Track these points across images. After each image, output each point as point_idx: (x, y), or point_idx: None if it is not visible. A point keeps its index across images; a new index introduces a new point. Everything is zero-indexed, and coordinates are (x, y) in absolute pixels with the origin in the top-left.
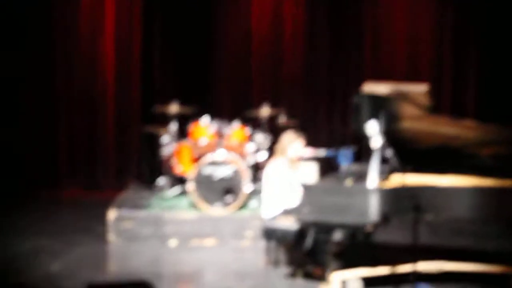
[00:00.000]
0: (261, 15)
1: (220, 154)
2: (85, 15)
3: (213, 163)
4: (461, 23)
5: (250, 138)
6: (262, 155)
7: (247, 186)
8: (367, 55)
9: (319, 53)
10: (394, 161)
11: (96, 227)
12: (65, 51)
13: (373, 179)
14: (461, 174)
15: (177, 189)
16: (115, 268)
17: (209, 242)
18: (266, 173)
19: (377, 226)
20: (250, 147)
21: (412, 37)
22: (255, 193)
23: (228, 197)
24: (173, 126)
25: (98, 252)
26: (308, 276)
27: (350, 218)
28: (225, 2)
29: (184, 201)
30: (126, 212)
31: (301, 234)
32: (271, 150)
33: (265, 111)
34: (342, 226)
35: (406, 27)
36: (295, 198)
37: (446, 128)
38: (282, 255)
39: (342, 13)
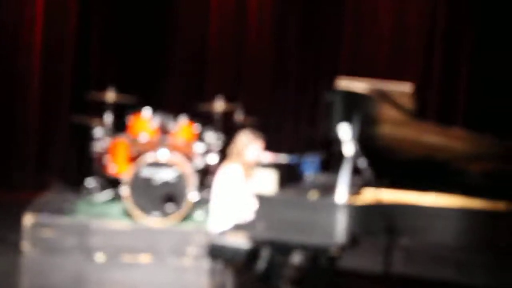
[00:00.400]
0: None
1: (162, 154)
2: None
3: (154, 165)
4: (455, 16)
5: (199, 137)
6: (213, 158)
7: (192, 194)
8: (345, 45)
9: (288, 39)
10: (368, 173)
11: (8, 234)
12: None
13: (342, 192)
14: (445, 192)
15: (108, 193)
16: (29, 285)
17: (144, 258)
18: (216, 180)
19: (344, 249)
20: (198, 147)
21: (398, 26)
22: (202, 202)
23: (169, 206)
24: (109, 118)
25: (9, 265)
26: None
27: (313, 238)
28: None
29: (116, 208)
30: (45, 218)
31: (253, 254)
32: (224, 152)
33: (219, 105)
34: (302, 247)
35: (393, 14)
36: (248, 211)
37: (431, 137)
38: (229, 279)
39: None
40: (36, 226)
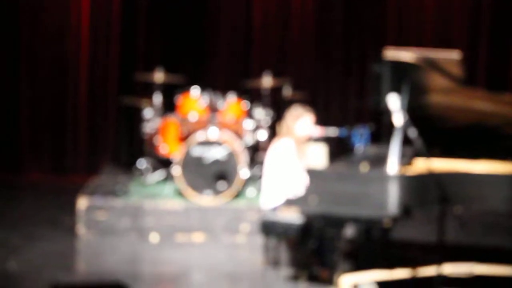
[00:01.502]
0: None
1: (212, 132)
2: None
3: (204, 143)
4: None
5: (248, 113)
6: (262, 134)
7: (243, 171)
8: (390, 16)
9: (332, 12)
10: (418, 143)
11: (63, 218)
12: (30, 2)
13: (393, 163)
14: (497, 159)
15: (160, 174)
16: (85, 267)
17: (197, 237)
18: (267, 156)
19: (396, 220)
20: (247, 124)
21: None
22: (253, 179)
23: (221, 184)
24: (158, 98)
25: (65, 248)
26: (314, 279)
27: (365, 211)
28: None
29: (168, 188)
30: (99, 201)
31: (306, 229)
32: (273, 128)
33: (266, 81)
34: (355, 220)
35: None
36: (300, 186)
37: (481, 103)
38: (283, 254)
39: None
40: (90, 209)
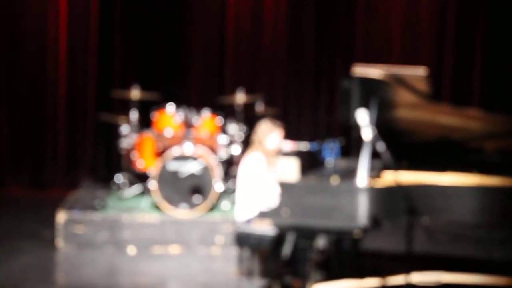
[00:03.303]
0: None
1: (187, 147)
2: None
3: (179, 158)
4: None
5: (222, 129)
6: (236, 149)
7: (217, 185)
8: (358, 33)
9: (304, 31)
10: (387, 156)
11: (43, 231)
12: (9, 19)
13: (362, 176)
14: (463, 171)
15: (137, 188)
16: (64, 279)
17: (173, 249)
18: (240, 170)
19: (366, 231)
20: (222, 139)
21: (410, 13)
22: (227, 192)
23: (196, 198)
24: (134, 115)
25: (45, 261)
26: None
27: (336, 222)
28: None
29: (145, 202)
30: (77, 215)
31: (279, 240)
32: (247, 143)
33: (240, 98)
34: (326, 232)
35: (403, 2)
36: (272, 199)
37: (447, 118)
38: (256, 265)
39: None
40: (69, 222)
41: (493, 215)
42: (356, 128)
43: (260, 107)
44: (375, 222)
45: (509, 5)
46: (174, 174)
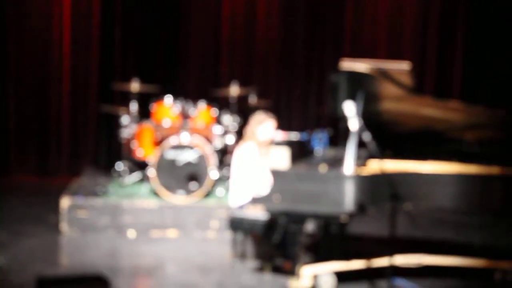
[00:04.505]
0: None
1: (184, 137)
2: None
3: (177, 147)
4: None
5: (217, 119)
6: (230, 139)
7: (213, 172)
8: (347, 31)
9: (294, 28)
10: (372, 146)
11: (48, 216)
12: (16, 16)
13: (349, 165)
14: (443, 160)
15: (136, 175)
16: (68, 261)
17: (171, 233)
18: (234, 158)
19: (352, 216)
20: (217, 129)
21: (395, 11)
22: (222, 180)
23: (192, 184)
24: (134, 106)
25: (49, 244)
26: (277, 270)
27: (324, 208)
28: None
29: (144, 188)
30: (80, 200)
31: (270, 224)
32: (240, 133)
33: (234, 90)
34: (315, 216)
35: (389, 1)
36: (264, 186)
37: (429, 110)
38: (249, 248)
39: None
40: (72, 208)
41: (472, 201)
42: (343, 119)
43: (253, 99)
44: (361, 207)
45: (488, 5)
46: (172, 162)
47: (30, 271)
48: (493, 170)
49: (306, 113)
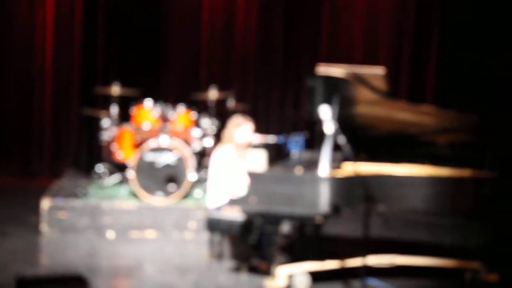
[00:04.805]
0: None
1: (163, 139)
2: None
3: (156, 150)
4: (424, 4)
5: (196, 123)
6: (209, 141)
7: (191, 174)
8: (323, 36)
9: (272, 33)
10: (347, 149)
11: (28, 217)
12: (0, 20)
13: (324, 167)
14: (416, 163)
15: (116, 177)
16: (48, 261)
17: (150, 234)
18: (212, 160)
19: (327, 217)
20: (195, 132)
21: (371, 18)
22: (200, 181)
23: (171, 186)
24: (114, 109)
25: (30, 244)
26: (254, 270)
27: (299, 209)
28: None
29: (123, 190)
30: (61, 201)
31: (247, 225)
32: (218, 136)
33: (212, 94)
34: (290, 218)
35: (365, 6)
36: (242, 187)
37: (402, 114)
38: (226, 248)
39: None
40: (52, 209)
41: (444, 203)
42: (319, 122)
43: (231, 103)
44: (335, 209)
45: (463, 11)
46: (151, 164)
47: (10, 271)
48: (465, 172)
49: (283, 116)
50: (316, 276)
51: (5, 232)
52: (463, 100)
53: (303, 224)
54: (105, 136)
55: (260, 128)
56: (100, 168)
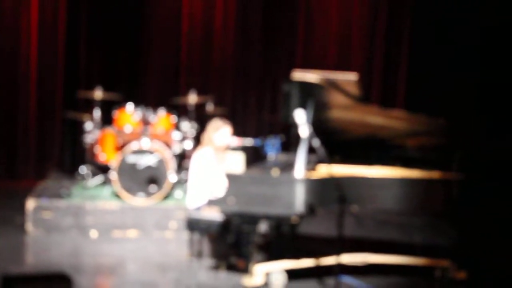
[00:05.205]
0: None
1: (144, 142)
2: None
3: (137, 152)
4: (395, 13)
5: (176, 126)
6: (188, 144)
7: (171, 176)
8: (299, 43)
9: (250, 40)
10: (321, 151)
11: (14, 217)
12: None
13: (299, 169)
14: (387, 165)
15: (99, 178)
16: (33, 260)
17: (132, 233)
18: (191, 162)
19: (302, 217)
20: (175, 135)
21: (344, 27)
22: (180, 183)
23: (152, 187)
24: (97, 113)
25: (15, 243)
26: (232, 268)
27: (276, 209)
28: None
29: (106, 190)
30: (45, 202)
31: (225, 225)
32: (198, 139)
33: (192, 98)
34: (267, 217)
35: (339, 16)
36: (220, 188)
37: (374, 118)
38: (205, 247)
39: (276, 0)
40: (37, 209)
41: (414, 203)
42: (295, 126)
43: (210, 107)
44: (310, 209)
45: (431, 21)
46: (133, 166)
47: None
48: (433, 174)
49: (260, 120)
50: (292, 274)
51: None
52: (431, 105)
53: (279, 223)
54: (88, 138)
55: (238, 132)
56: (83, 169)
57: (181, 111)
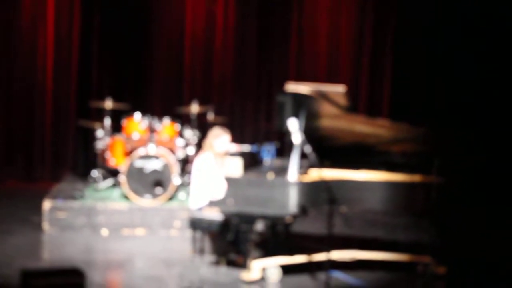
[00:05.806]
0: (194, 18)
1: (151, 148)
2: (26, 9)
3: (144, 157)
4: (379, 31)
5: (180, 133)
6: (191, 150)
7: (175, 179)
8: (291, 57)
9: (247, 55)
10: (312, 157)
11: (31, 216)
12: (6, 44)
13: (293, 173)
14: (373, 169)
15: (109, 181)
16: (49, 256)
17: (139, 231)
18: (194, 167)
19: (296, 217)
20: (179, 142)
21: (333, 42)
22: (183, 185)
23: (158, 189)
24: (107, 121)
25: (33, 241)
26: (231, 264)
27: (271, 210)
28: (161, 2)
29: (116, 192)
30: (60, 203)
31: (225, 224)
32: (199, 145)
33: (194, 108)
34: (263, 217)
35: (328, 34)
36: (220, 190)
37: (361, 127)
38: (207, 244)
39: (270, 19)
40: (53, 209)
41: (398, 204)
42: (288, 133)
43: (210, 116)
44: (303, 209)
45: (411, 38)
46: (140, 170)
47: (15, 265)
48: (415, 178)
49: (257, 128)
50: (287, 269)
51: (10, 230)
52: (414, 114)
53: (274, 223)
54: (100, 145)
55: (236, 138)
56: (95, 173)
57: (184, 119)
